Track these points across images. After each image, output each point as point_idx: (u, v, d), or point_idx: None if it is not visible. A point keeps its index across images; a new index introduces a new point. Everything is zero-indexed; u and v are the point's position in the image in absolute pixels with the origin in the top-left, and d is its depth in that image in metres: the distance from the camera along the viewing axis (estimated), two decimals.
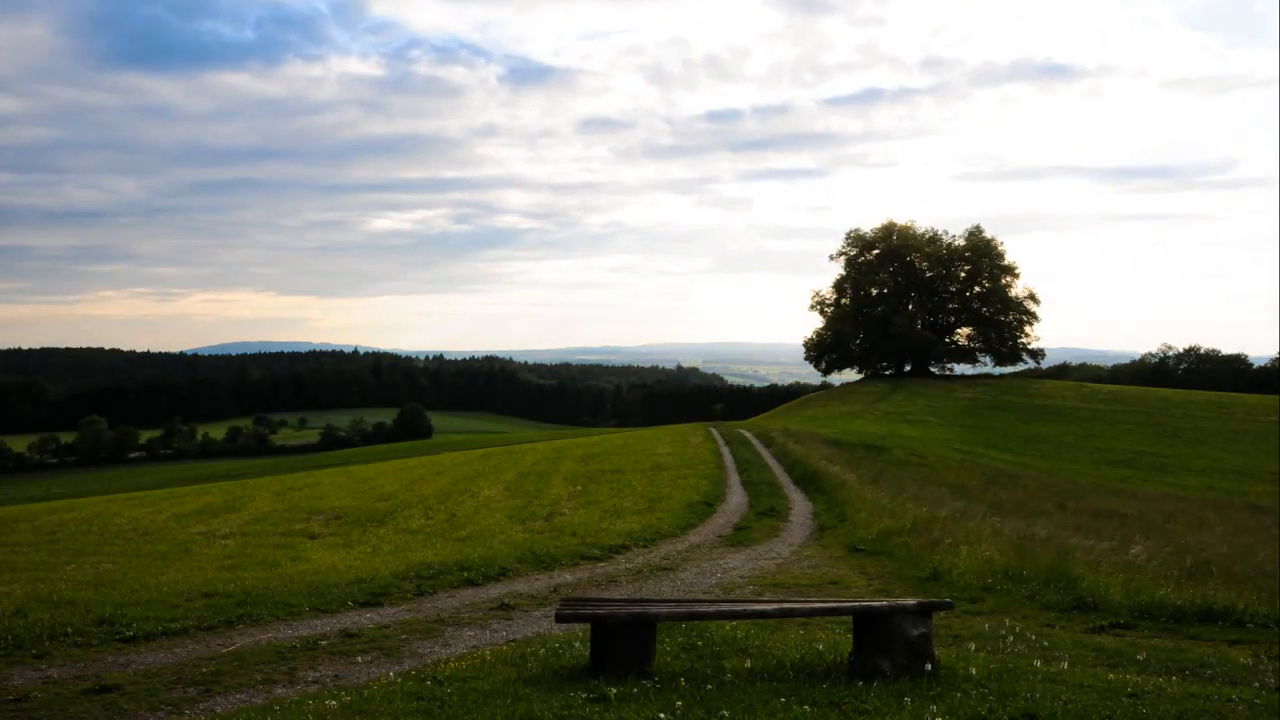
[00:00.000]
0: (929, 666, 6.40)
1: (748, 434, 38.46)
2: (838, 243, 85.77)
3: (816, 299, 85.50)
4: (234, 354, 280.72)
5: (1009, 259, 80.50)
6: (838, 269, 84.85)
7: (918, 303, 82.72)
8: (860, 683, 6.15)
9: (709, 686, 6.08)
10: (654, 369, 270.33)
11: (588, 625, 6.89)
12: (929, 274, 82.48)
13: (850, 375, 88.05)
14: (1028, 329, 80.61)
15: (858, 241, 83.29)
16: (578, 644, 7.40)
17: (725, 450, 31.83)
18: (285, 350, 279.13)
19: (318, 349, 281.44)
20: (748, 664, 6.72)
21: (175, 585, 10.61)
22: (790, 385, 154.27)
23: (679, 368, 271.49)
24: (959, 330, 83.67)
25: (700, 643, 7.45)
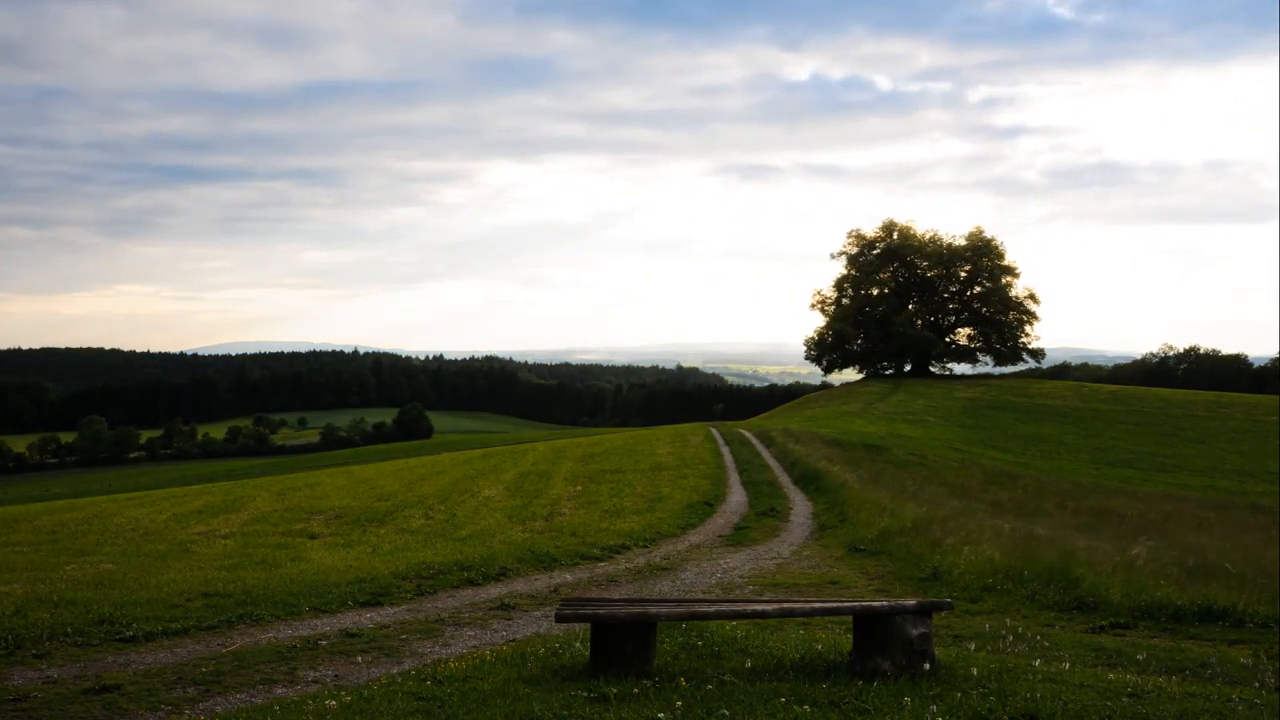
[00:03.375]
0: (929, 666, 6.40)
1: (748, 434, 38.46)
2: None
3: (817, 298, 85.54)
4: (234, 354, 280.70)
5: (1009, 259, 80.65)
6: (839, 268, 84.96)
7: (918, 302, 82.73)
8: (860, 682, 6.15)
9: (709, 686, 6.08)
10: (654, 369, 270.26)
11: (588, 625, 6.89)
12: (929, 274, 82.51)
13: (850, 375, 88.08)
14: (1028, 329, 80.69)
15: (858, 241, 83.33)
16: (578, 644, 7.40)
17: (725, 450, 31.83)
18: (285, 350, 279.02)
19: (318, 349, 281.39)
20: (748, 664, 6.71)
21: (175, 585, 10.61)
22: (790, 385, 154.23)
23: (679, 368, 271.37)
24: (959, 330, 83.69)
25: (700, 643, 7.45)
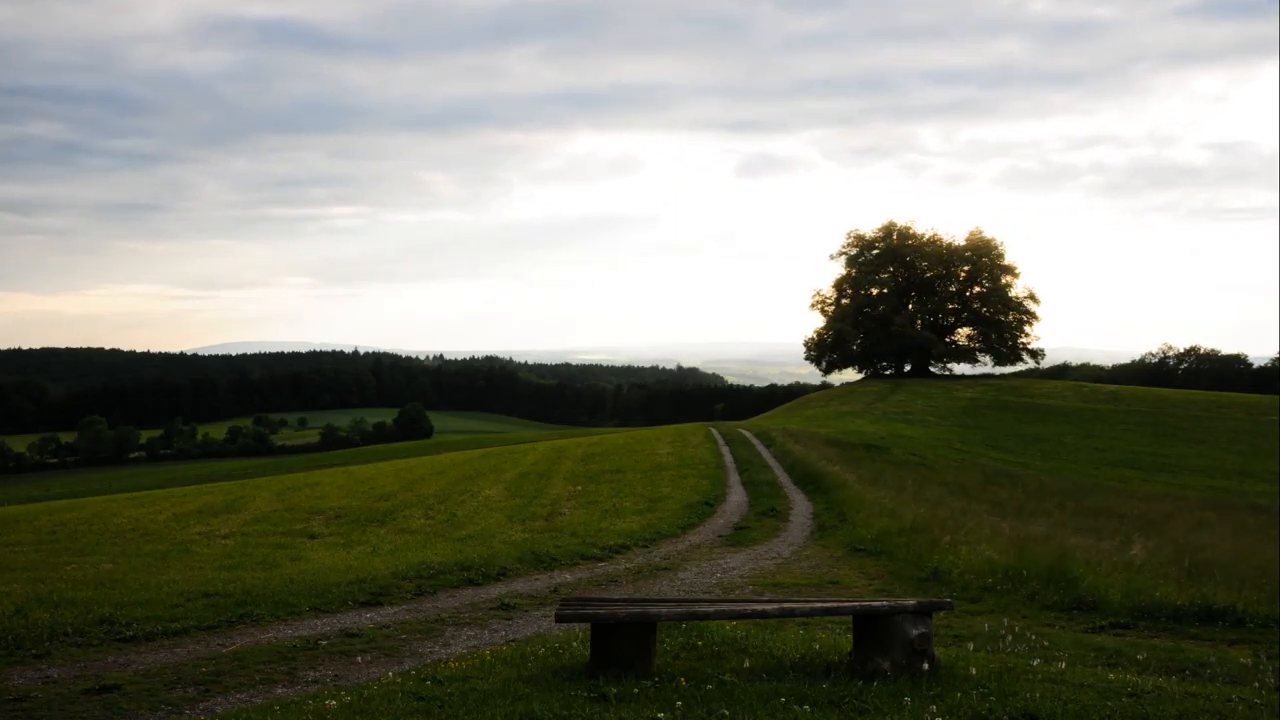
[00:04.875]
0: (929, 666, 6.40)
1: (748, 434, 38.46)
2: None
3: (817, 298, 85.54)
4: (234, 354, 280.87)
5: (1009, 259, 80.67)
6: (838, 268, 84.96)
7: (918, 303, 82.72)
8: (860, 682, 6.15)
9: (709, 686, 6.08)
10: (654, 369, 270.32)
11: (588, 625, 6.90)
12: (929, 274, 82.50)
13: (850, 375, 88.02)
14: (1028, 329, 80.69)
15: (858, 241, 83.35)
16: (578, 644, 7.41)
17: (725, 450, 31.83)
18: (285, 350, 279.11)
19: (318, 349, 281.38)
20: (748, 664, 6.71)
21: (175, 585, 10.62)
22: (790, 385, 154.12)
23: (679, 368, 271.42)
24: (959, 330, 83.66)
25: (700, 643, 7.45)
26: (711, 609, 6.94)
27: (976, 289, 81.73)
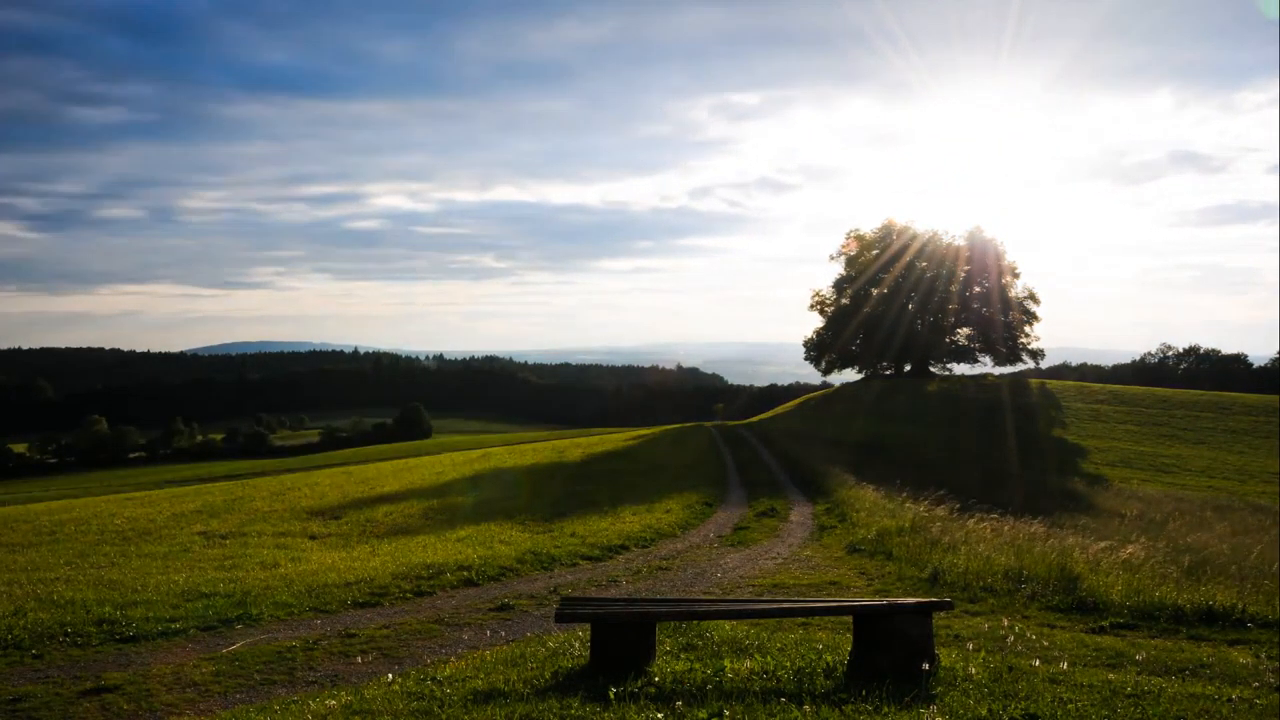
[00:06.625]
0: (929, 666, 6.38)
1: (747, 434, 38.47)
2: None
3: (816, 298, 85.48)
4: (234, 354, 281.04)
5: (1009, 259, 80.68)
6: (838, 268, 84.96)
7: (918, 303, 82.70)
8: (860, 682, 6.13)
9: (709, 686, 6.07)
10: (654, 369, 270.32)
11: (588, 625, 6.89)
12: (929, 274, 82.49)
13: (850, 375, 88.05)
14: (1028, 329, 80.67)
15: (858, 241, 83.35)
16: (578, 644, 7.40)
17: (725, 450, 31.83)
18: (285, 350, 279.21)
19: (318, 349, 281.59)
20: (747, 664, 6.70)
21: (174, 585, 10.61)
22: (790, 385, 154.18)
23: (679, 368, 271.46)
24: (959, 330, 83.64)
25: (700, 642, 7.44)
26: (711, 609, 6.93)
27: (976, 289, 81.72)
